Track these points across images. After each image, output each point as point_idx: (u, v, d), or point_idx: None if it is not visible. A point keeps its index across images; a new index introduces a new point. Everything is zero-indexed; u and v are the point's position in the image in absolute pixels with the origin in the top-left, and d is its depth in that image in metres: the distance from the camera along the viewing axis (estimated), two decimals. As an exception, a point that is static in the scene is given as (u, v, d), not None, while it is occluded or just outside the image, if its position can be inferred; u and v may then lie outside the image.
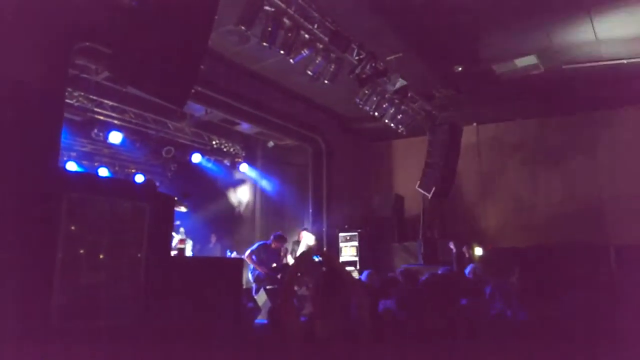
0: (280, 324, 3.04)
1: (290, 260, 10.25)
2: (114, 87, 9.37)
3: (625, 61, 8.82)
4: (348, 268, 9.94)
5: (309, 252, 9.48)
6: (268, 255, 9.55)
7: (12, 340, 3.73)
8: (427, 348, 3.01)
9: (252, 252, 9.42)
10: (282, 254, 10.03)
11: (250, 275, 9.55)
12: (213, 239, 12.70)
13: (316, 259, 3.63)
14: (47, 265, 4.16)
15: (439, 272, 6.51)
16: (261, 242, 9.82)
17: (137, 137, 11.29)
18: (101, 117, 10.42)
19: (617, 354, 2.31)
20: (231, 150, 13.40)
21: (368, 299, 3.42)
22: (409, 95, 10.10)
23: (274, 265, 9.50)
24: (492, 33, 8.37)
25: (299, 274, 3.57)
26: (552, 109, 11.68)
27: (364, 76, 8.53)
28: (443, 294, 3.70)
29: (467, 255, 8.88)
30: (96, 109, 10.18)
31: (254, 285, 9.42)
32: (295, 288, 4.11)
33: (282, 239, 9.77)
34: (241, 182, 14.03)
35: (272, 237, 9.79)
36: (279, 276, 9.30)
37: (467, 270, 7.52)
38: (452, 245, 9.91)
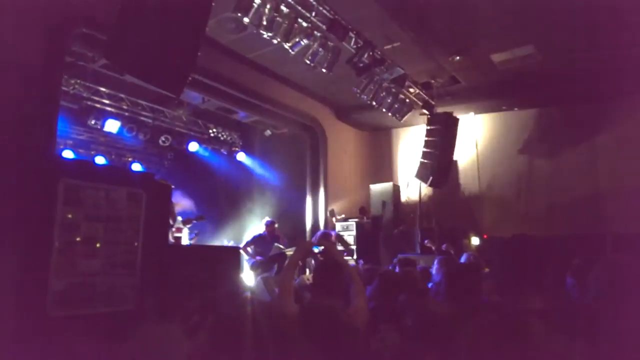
0: (279, 313, 3.05)
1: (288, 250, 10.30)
2: (111, 74, 9.34)
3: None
4: (345, 257, 9.95)
5: (309, 241, 9.53)
6: (264, 246, 9.71)
7: (9, 330, 3.73)
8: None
9: (247, 244, 9.68)
10: (279, 238, 10.15)
11: (247, 264, 9.63)
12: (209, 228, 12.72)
13: (316, 250, 3.64)
14: (43, 253, 4.15)
15: (436, 260, 6.50)
16: (257, 235, 9.98)
17: (134, 125, 11.26)
18: (97, 105, 10.39)
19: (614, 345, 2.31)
20: (228, 138, 13.40)
21: (365, 288, 3.43)
22: (406, 84, 10.09)
23: (270, 255, 9.60)
24: (491, 22, 8.34)
25: (299, 263, 3.58)
26: (550, 99, 11.65)
27: (361, 65, 8.52)
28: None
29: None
30: (93, 97, 10.15)
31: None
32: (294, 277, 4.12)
33: (273, 224, 9.99)
34: (238, 170, 14.00)
35: (264, 225, 10.00)
36: (275, 266, 9.37)
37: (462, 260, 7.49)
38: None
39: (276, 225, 10.25)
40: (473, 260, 7.10)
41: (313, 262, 8.08)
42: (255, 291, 8.39)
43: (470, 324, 3.03)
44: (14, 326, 3.78)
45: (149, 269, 4.85)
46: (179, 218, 9.78)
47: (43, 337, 3.78)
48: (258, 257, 9.48)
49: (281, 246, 10.23)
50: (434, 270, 6.34)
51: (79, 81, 9.67)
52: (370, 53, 8.43)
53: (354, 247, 11.61)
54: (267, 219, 10.27)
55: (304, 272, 9.37)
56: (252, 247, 9.63)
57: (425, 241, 9.86)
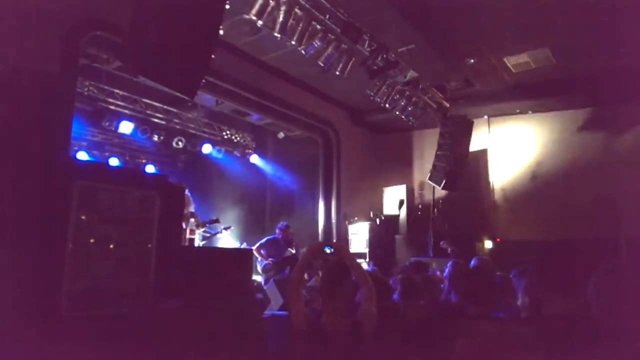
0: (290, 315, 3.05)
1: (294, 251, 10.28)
2: (125, 76, 9.40)
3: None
4: (358, 260, 9.92)
5: (320, 242, 9.50)
6: (277, 249, 9.68)
7: (23, 330, 3.75)
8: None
9: (260, 246, 9.61)
10: (293, 242, 10.12)
11: (259, 267, 9.62)
12: (222, 229, 12.73)
13: (327, 250, 3.61)
14: (57, 254, 4.17)
15: (449, 264, 6.45)
16: (270, 237, 9.93)
17: (148, 127, 11.32)
18: (112, 107, 10.45)
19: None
20: (241, 141, 13.42)
21: (375, 291, 3.40)
22: (420, 87, 10.05)
23: (283, 257, 9.59)
24: (505, 25, 8.29)
25: (309, 264, 3.57)
26: (564, 102, 11.54)
27: (375, 67, 8.49)
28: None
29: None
30: (107, 99, 10.22)
31: (263, 276, 9.47)
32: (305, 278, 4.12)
33: (287, 228, 9.94)
34: (251, 173, 14.02)
35: (277, 229, 9.94)
36: (287, 268, 9.35)
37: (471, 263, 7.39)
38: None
39: (290, 230, 10.22)
40: (483, 263, 7.02)
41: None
42: (267, 293, 8.39)
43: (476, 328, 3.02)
44: (28, 327, 3.80)
45: (162, 272, 4.86)
46: (192, 220, 9.80)
47: (57, 338, 3.80)
48: (270, 259, 9.47)
49: (293, 250, 10.21)
50: (446, 273, 6.29)
51: (93, 83, 9.74)
52: (384, 55, 8.41)
53: (366, 251, 11.57)
54: (281, 222, 10.24)
55: (318, 274, 9.34)
56: (265, 249, 9.60)
57: (442, 242, 9.78)
